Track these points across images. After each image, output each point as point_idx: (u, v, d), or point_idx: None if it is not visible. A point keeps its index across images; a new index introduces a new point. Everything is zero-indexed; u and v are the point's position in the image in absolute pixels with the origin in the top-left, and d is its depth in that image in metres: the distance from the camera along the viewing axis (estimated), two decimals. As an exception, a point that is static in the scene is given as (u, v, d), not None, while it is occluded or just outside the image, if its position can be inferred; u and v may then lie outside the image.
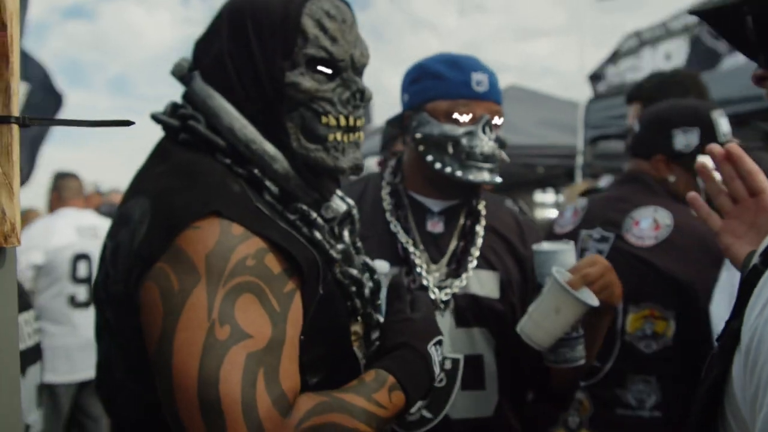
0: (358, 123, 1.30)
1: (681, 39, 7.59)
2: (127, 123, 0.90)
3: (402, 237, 1.82)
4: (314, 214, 1.26)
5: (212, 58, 1.26)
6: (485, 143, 1.75)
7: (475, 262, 1.80)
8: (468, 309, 1.76)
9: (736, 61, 6.38)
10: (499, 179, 1.79)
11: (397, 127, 1.95)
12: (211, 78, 1.25)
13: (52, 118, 0.75)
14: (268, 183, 1.22)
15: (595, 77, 8.75)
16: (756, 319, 0.64)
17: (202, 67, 1.28)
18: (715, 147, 1.22)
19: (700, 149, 2.08)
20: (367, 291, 1.35)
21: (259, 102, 1.23)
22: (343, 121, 1.26)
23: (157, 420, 1.11)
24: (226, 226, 1.10)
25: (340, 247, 1.31)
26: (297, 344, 1.12)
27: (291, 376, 1.08)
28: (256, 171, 1.22)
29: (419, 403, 1.34)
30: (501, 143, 1.80)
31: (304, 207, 1.25)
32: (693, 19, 7.61)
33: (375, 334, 1.38)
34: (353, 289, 1.32)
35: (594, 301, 1.58)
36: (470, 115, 1.75)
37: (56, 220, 4.60)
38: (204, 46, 1.30)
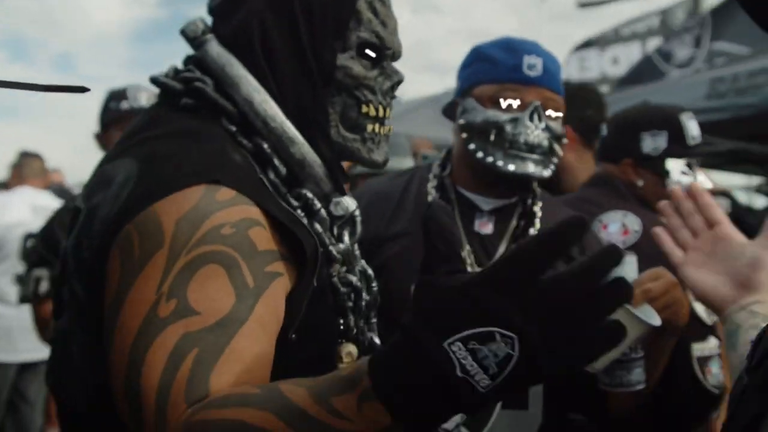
0: (389, 115, 1.21)
1: (629, 46, 7.83)
2: (83, 89, 0.83)
3: None
4: (318, 205, 1.14)
5: (237, 25, 1.14)
6: (531, 132, 1.60)
7: None
8: None
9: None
10: (547, 173, 1.65)
11: (449, 116, 1.83)
12: (232, 46, 1.14)
13: (2, 81, 0.71)
14: (276, 162, 1.12)
15: None
16: None
17: (222, 32, 1.16)
18: (676, 189, 1.28)
19: (669, 153, 2.12)
20: (363, 304, 1.22)
21: (299, 83, 1.14)
22: (381, 112, 1.18)
23: (113, 411, 0.97)
24: (211, 191, 0.98)
25: (341, 246, 1.19)
26: (271, 326, 0.98)
27: (242, 358, 0.91)
28: (265, 145, 1.11)
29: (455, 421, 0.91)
30: (555, 135, 1.64)
31: (309, 195, 1.14)
32: (643, 27, 7.85)
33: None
34: (350, 303, 1.18)
35: (655, 320, 1.40)
36: (518, 101, 1.61)
37: (12, 197, 4.56)
38: (227, 8, 1.17)
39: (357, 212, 1.27)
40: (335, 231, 1.22)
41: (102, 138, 2.78)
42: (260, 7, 1.13)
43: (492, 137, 1.61)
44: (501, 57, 1.64)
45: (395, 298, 1.57)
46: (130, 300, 0.93)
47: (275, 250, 1.01)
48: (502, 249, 1.67)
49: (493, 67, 1.65)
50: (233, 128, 1.11)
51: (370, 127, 1.18)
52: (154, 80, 1.17)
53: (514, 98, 1.62)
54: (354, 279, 1.19)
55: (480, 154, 1.62)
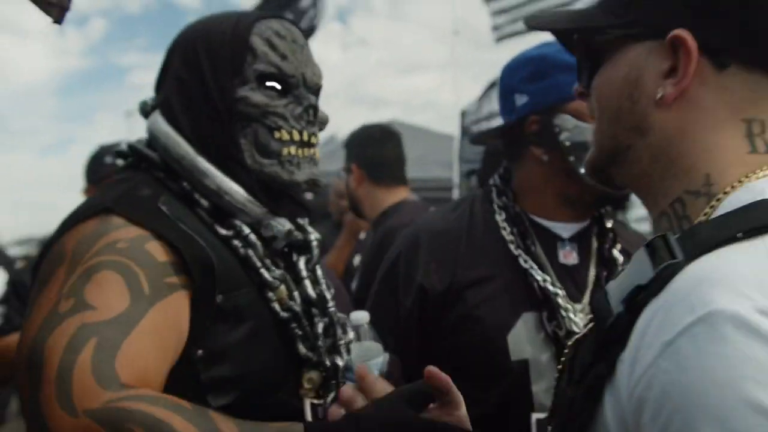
0: (313, 140, 1.30)
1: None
2: None
3: (537, 274, 1.49)
4: (247, 230, 1.23)
5: (165, 91, 1.29)
6: None
7: None
8: None
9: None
10: None
11: (501, 137, 1.65)
12: (166, 109, 1.28)
13: None
14: (197, 196, 1.22)
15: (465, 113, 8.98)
16: (650, 368, 0.65)
17: (158, 104, 1.30)
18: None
19: None
20: (320, 327, 1.27)
21: (211, 122, 1.24)
22: (296, 136, 1.26)
23: None
24: (106, 219, 1.10)
25: (277, 272, 1.25)
26: (166, 333, 1.05)
27: (139, 356, 0.99)
28: (185, 184, 1.23)
29: None
30: None
31: (237, 222, 1.23)
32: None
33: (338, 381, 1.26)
34: (298, 332, 1.24)
35: None
36: None
37: None
38: (159, 80, 1.33)
39: (312, 237, 1.35)
40: (294, 257, 1.31)
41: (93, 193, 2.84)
42: (176, 71, 1.28)
43: None
44: None
45: (491, 348, 1.46)
46: (36, 306, 1.03)
47: (174, 263, 1.10)
48: (591, 277, 1.55)
49: None
50: (161, 174, 1.24)
51: (285, 151, 1.26)
52: (117, 152, 1.34)
53: None
54: (294, 304, 1.25)
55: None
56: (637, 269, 0.73)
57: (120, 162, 1.29)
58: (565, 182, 1.49)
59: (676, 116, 0.79)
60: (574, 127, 1.46)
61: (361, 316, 1.32)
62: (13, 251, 13.35)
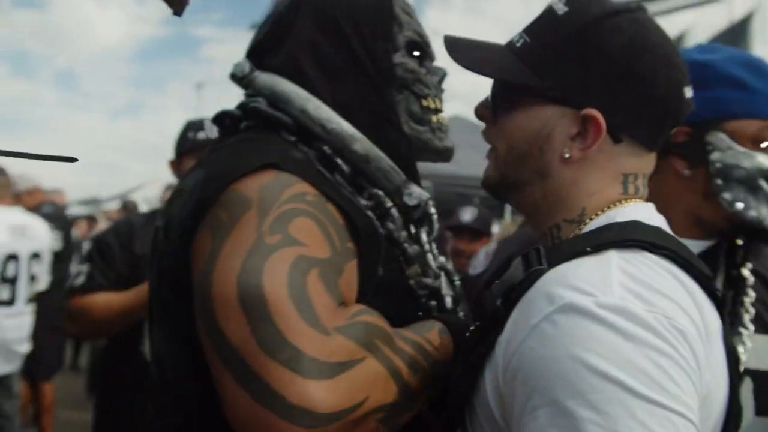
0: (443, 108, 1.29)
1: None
2: (71, 159, 0.83)
3: None
4: (389, 203, 1.17)
5: (285, 54, 1.20)
6: None
7: (748, 322, 1.34)
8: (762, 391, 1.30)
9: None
10: None
11: None
12: (291, 72, 1.19)
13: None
14: (338, 161, 1.14)
15: None
16: (520, 346, 0.82)
17: (269, 64, 1.21)
18: None
19: None
20: (449, 301, 1.23)
21: (361, 88, 1.19)
22: (438, 104, 1.26)
23: (209, 423, 0.98)
24: (282, 173, 1.02)
25: (415, 248, 1.21)
26: (348, 298, 0.99)
27: (349, 295, 0.98)
28: (325, 148, 1.14)
29: None
30: None
31: (381, 193, 1.17)
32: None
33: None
34: (433, 303, 1.21)
35: None
36: None
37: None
38: (270, 44, 1.23)
39: (431, 209, 1.28)
40: (412, 231, 1.25)
41: (176, 165, 2.83)
42: (308, 35, 1.20)
43: (764, 187, 1.32)
44: (758, 85, 1.32)
45: None
46: (228, 243, 0.92)
47: (349, 229, 1.04)
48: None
49: (753, 97, 1.32)
50: (292, 138, 1.15)
51: (434, 119, 1.25)
52: (215, 117, 1.23)
53: None
54: (430, 281, 1.20)
55: (739, 206, 1.31)
56: (513, 273, 0.92)
57: (202, 136, 1.20)
58: (700, 203, 1.36)
59: (573, 170, 0.99)
60: (728, 149, 1.32)
61: None
62: (77, 210, 13.74)
